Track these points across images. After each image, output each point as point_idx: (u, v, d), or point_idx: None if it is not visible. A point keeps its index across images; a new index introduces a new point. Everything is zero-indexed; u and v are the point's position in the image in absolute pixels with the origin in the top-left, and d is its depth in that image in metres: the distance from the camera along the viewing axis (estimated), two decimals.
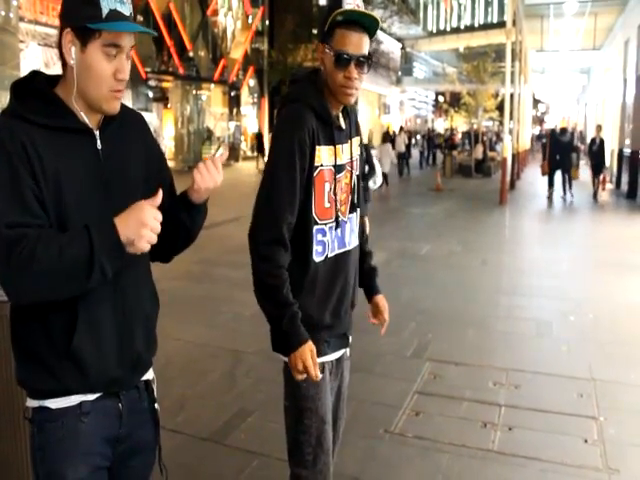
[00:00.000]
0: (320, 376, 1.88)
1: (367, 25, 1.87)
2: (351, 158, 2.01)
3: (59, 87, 1.44)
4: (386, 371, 4.31)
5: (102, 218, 1.34)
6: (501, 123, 30.48)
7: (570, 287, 6.83)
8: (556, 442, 3.34)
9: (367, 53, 1.88)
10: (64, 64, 1.43)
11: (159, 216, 1.35)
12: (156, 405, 1.64)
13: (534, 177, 19.80)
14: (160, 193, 1.37)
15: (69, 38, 1.38)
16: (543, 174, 15.26)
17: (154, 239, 1.34)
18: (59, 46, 1.41)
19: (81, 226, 1.32)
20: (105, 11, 1.35)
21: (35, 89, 1.42)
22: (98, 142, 1.45)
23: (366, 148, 2.15)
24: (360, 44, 1.85)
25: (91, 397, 1.47)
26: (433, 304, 6.04)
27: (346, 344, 2.15)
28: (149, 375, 1.64)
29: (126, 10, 1.40)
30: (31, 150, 1.34)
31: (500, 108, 26.16)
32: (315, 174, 1.91)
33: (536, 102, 48.84)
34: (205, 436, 3.38)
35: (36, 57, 18.75)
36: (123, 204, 1.40)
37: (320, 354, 2.00)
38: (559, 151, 14.64)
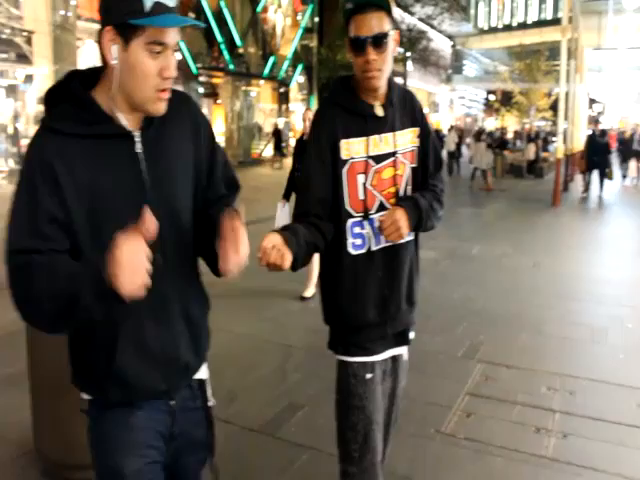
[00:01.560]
0: None
1: (377, 2, 1.81)
2: (396, 148, 1.96)
3: (98, 88, 1.36)
4: (437, 371, 4.27)
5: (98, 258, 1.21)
6: (554, 123, 29.74)
7: (626, 293, 6.62)
8: (613, 453, 3.24)
9: (385, 30, 1.81)
10: (104, 63, 1.34)
11: (141, 250, 1.18)
12: (210, 403, 1.60)
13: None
14: (148, 218, 1.21)
15: (109, 36, 1.27)
16: (580, 172, 16.32)
17: (140, 282, 1.17)
18: (99, 45, 1.31)
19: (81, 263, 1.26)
20: (148, 4, 1.24)
21: (70, 94, 1.34)
22: (137, 145, 1.36)
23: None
24: (373, 24, 1.80)
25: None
26: (484, 305, 5.95)
27: (402, 343, 2.11)
28: (202, 374, 1.59)
29: (170, 2, 1.29)
30: (61, 166, 1.28)
31: (553, 108, 25.55)
32: (345, 168, 1.91)
33: (592, 102, 47.42)
34: (256, 428, 3.42)
35: (92, 54, 19.28)
36: (166, 210, 1.38)
37: (368, 352, 2.00)
38: (597, 152, 15.32)
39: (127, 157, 1.36)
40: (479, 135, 18.68)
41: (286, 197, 6.05)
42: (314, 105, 31.08)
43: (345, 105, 1.93)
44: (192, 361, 1.52)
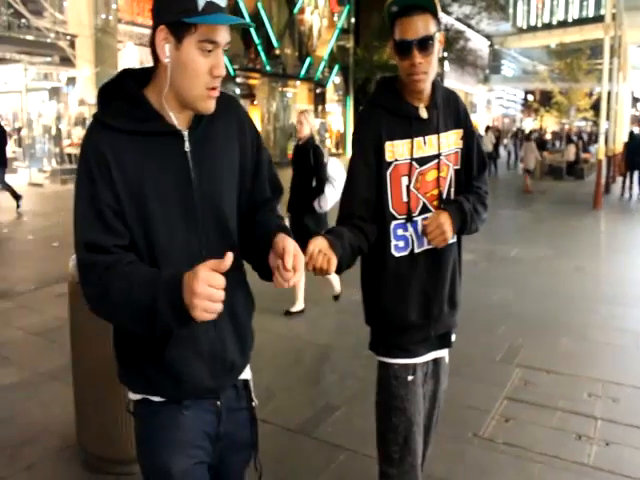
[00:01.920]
0: None
1: (424, 4, 1.79)
2: (440, 150, 1.95)
3: (149, 87, 1.39)
4: (475, 374, 4.21)
5: (174, 272, 1.25)
6: (595, 123, 29.07)
7: None
8: None
9: (430, 33, 1.79)
10: (155, 63, 1.37)
11: (218, 281, 1.20)
12: (254, 404, 1.61)
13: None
14: (229, 256, 1.21)
15: (163, 35, 1.30)
16: (619, 174, 16.23)
17: (213, 309, 1.20)
18: (151, 44, 1.34)
19: (157, 270, 1.29)
20: (201, 3, 1.26)
21: (122, 91, 1.37)
22: (186, 144, 1.38)
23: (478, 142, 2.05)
24: (419, 27, 1.78)
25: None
26: (524, 308, 5.85)
27: (444, 345, 2.10)
28: (247, 374, 1.60)
29: (221, 1, 1.31)
30: (113, 160, 1.31)
31: (595, 107, 24.97)
32: (389, 170, 1.90)
33: (635, 101, 46.21)
34: (293, 427, 3.44)
35: (133, 56, 19.66)
36: (211, 208, 1.40)
37: (410, 354, 1.99)
38: (637, 152, 15.28)
39: (176, 155, 1.38)
40: (529, 135, 18.96)
41: (290, 210, 5.41)
42: (350, 105, 31.09)
43: (389, 107, 1.92)
44: (238, 360, 1.52)
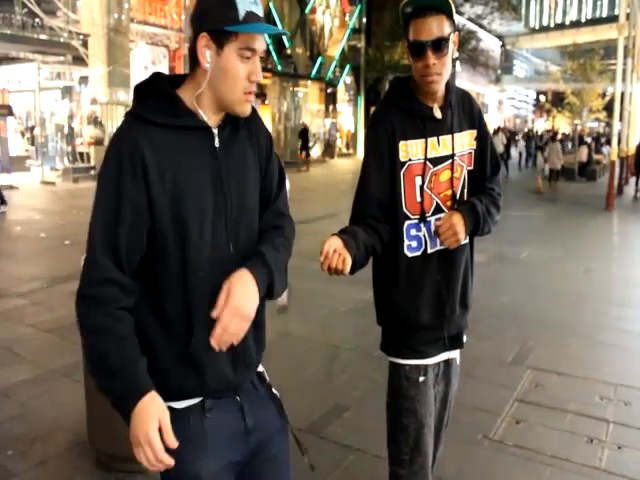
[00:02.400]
0: None
1: (438, 5, 1.79)
2: (454, 151, 1.94)
3: (183, 88, 1.44)
4: (485, 376, 4.20)
5: (140, 378, 1.33)
6: (608, 124, 28.86)
7: None
8: None
9: (445, 34, 1.79)
10: (192, 67, 1.42)
11: (158, 446, 1.27)
12: (274, 390, 1.62)
13: None
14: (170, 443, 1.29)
15: (204, 42, 1.36)
16: (631, 175, 16.64)
17: (151, 459, 1.28)
18: (191, 50, 1.39)
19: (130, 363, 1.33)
20: (242, 13, 1.33)
21: (156, 90, 1.42)
22: (216, 140, 1.44)
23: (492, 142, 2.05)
24: (433, 28, 1.78)
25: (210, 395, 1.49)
26: (534, 310, 5.82)
27: (455, 346, 2.08)
28: (259, 368, 1.63)
29: (260, 11, 1.38)
30: (149, 155, 1.35)
31: (608, 108, 24.79)
32: (403, 170, 1.90)
33: None
34: (302, 427, 3.43)
35: (144, 56, 19.74)
36: (237, 202, 1.45)
37: (421, 355, 1.98)
38: None
39: (208, 151, 1.44)
40: (554, 136, 19.59)
41: None
42: (361, 105, 31.05)
43: (403, 106, 1.92)
44: (254, 356, 1.55)
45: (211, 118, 1.44)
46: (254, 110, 1.59)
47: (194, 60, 1.40)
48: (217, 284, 1.37)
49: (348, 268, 1.66)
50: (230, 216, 1.45)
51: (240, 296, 1.34)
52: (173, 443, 1.28)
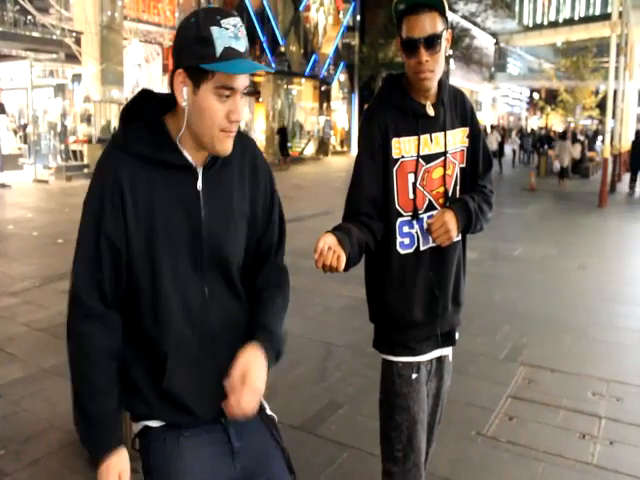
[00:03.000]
0: None
1: (431, 3, 1.79)
2: (446, 148, 1.94)
3: (169, 118, 1.39)
4: (479, 372, 4.21)
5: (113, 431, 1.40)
6: (601, 122, 28.95)
7: None
8: None
9: (438, 31, 1.79)
10: (174, 100, 1.36)
11: None
12: (268, 412, 1.56)
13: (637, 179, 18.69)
14: None
15: (181, 79, 1.30)
16: (625, 171, 17.43)
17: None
18: (170, 86, 1.34)
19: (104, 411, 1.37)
20: (219, 50, 1.25)
21: (145, 117, 1.38)
22: (199, 183, 1.38)
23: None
24: (426, 25, 1.78)
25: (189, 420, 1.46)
26: (527, 307, 5.84)
27: (448, 343, 2.09)
28: None
29: (241, 46, 1.29)
30: (128, 187, 1.33)
31: (600, 106, 24.88)
32: (396, 167, 1.90)
33: None
34: (296, 425, 3.44)
35: (138, 53, 19.67)
36: (217, 253, 1.41)
37: (413, 352, 1.99)
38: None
39: (189, 191, 1.39)
40: (564, 134, 19.96)
41: None
42: (355, 103, 31.04)
43: (396, 104, 1.91)
44: None
45: (197, 156, 1.39)
46: (253, 146, 1.54)
47: (174, 97, 1.35)
48: (188, 327, 1.40)
49: (342, 265, 1.65)
50: (207, 259, 1.41)
51: (257, 377, 1.34)
52: None
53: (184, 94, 1.31)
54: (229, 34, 1.27)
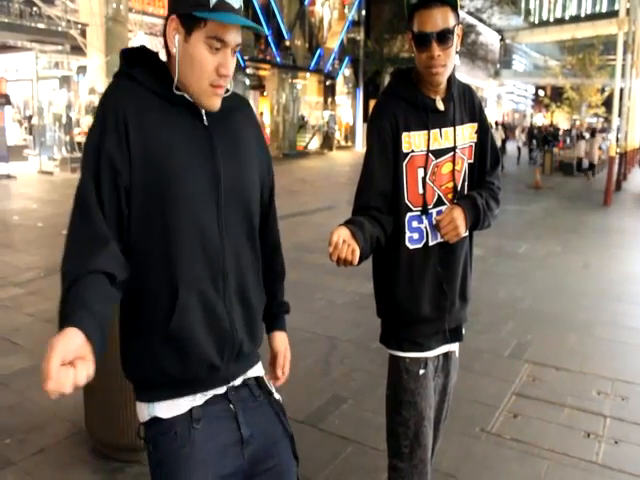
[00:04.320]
0: None
1: None
2: (455, 143, 1.94)
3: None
4: (483, 369, 4.21)
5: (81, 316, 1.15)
6: (607, 120, 28.81)
7: None
8: None
9: (450, 26, 1.78)
10: (168, 53, 1.37)
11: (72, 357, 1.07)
12: (276, 396, 1.56)
13: None
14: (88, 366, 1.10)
15: (174, 25, 1.32)
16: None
17: (54, 387, 1.03)
18: (164, 34, 1.35)
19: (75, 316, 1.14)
20: (213, 1, 1.28)
21: (147, 60, 1.39)
22: (204, 118, 1.39)
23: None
24: (438, 19, 1.76)
25: (199, 401, 1.42)
26: (532, 305, 5.83)
27: (455, 339, 2.08)
28: (258, 371, 1.56)
29: (235, 3, 1.31)
30: (132, 111, 1.31)
31: (606, 104, 24.77)
32: (406, 161, 1.89)
33: None
34: (300, 419, 3.44)
35: (142, 45, 19.62)
36: (233, 186, 1.41)
37: (421, 348, 1.98)
38: None
39: (199, 128, 1.39)
40: (594, 131, 21.07)
41: None
42: (360, 98, 30.96)
43: (407, 98, 1.90)
44: (246, 344, 1.47)
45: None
46: (254, 113, 1.58)
47: (167, 45, 1.36)
48: (202, 261, 1.37)
49: (357, 259, 1.65)
50: (224, 194, 1.39)
51: (288, 351, 1.73)
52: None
53: (176, 41, 1.32)
54: None
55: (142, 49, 1.43)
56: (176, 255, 1.35)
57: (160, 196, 1.33)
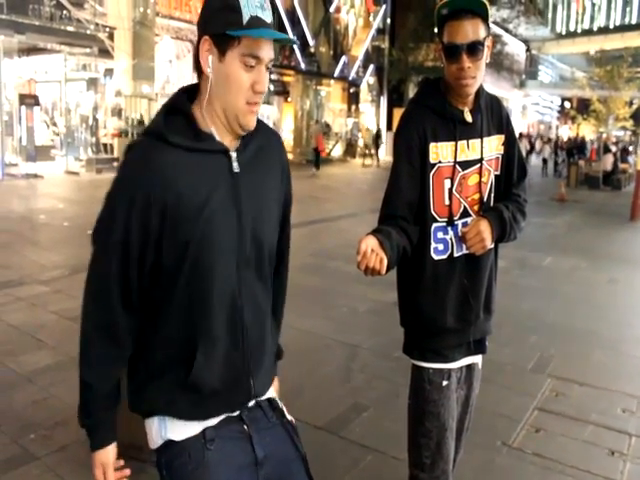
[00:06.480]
0: None
1: (475, 9, 1.76)
2: (482, 155, 1.93)
3: (195, 104, 1.38)
4: (505, 382, 4.16)
5: (105, 423, 1.53)
6: (634, 133, 28.47)
7: None
8: None
9: (480, 38, 1.77)
10: (199, 75, 1.35)
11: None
12: (289, 417, 1.54)
13: None
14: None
15: (206, 46, 1.30)
16: None
17: None
18: (195, 56, 1.34)
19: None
20: (246, 17, 1.26)
21: (176, 108, 1.37)
22: (235, 164, 1.37)
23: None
24: (468, 31, 1.76)
25: (213, 422, 1.41)
26: (556, 319, 5.75)
27: (478, 351, 2.07)
28: (271, 393, 1.56)
29: (267, 17, 1.30)
30: (169, 174, 1.31)
31: (634, 117, 24.45)
32: (433, 172, 1.88)
33: None
34: (320, 425, 3.43)
35: (169, 50, 19.88)
36: (256, 225, 1.40)
37: (445, 359, 1.97)
38: None
39: (226, 174, 1.37)
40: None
41: None
42: (384, 106, 30.91)
43: (435, 108, 1.90)
44: (260, 390, 1.49)
45: (225, 139, 1.37)
46: (280, 139, 1.55)
47: (199, 67, 1.34)
48: (222, 317, 1.38)
49: (385, 268, 1.65)
50: (246, 243, 1.39)
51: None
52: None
53: (209, 62, 1.31)
54: (255, 3, 1.28)
55: (178, 93, 1.41)
56: (197, 313, 1.37)
57: (184, 257, 1.34)
